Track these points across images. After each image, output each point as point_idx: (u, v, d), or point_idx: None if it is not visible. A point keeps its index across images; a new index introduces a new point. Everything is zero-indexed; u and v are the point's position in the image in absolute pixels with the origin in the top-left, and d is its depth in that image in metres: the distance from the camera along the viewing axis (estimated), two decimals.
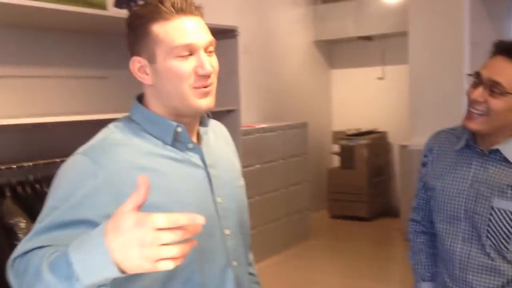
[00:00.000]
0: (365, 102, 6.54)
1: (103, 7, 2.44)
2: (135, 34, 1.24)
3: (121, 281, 1.15)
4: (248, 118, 5.04)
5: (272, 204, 4.87)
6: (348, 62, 6.63)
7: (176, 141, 1.27)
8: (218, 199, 1.31)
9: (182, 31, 1.19)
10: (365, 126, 6.36)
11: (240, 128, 3.14)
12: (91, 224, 1.08)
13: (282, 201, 5.01)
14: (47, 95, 2.48)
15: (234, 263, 1.32)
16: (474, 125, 1.54)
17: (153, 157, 1.23)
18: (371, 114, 6.48)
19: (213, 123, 1.46)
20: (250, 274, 1.53)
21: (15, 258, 1.08)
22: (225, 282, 1.30)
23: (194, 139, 1.32)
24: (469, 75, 1.57)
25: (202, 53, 1.21)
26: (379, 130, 6.29)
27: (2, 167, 2.08)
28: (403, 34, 4.95)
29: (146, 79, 1.26)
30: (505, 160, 1.55)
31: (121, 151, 1.20)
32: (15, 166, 2.10)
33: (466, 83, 1.60)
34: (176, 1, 1.20)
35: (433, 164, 1.73)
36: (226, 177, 1.36)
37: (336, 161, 6.45)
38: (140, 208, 1.06)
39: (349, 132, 6.17)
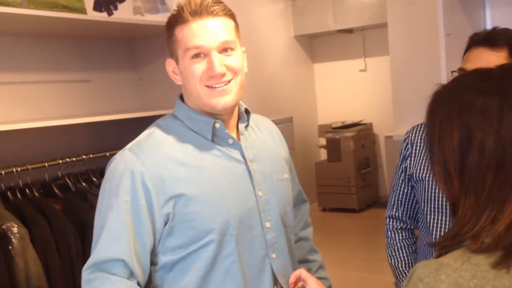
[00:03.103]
0: (349, 95, 6.60)
1: (82, 11, 2.45)
2: (166, 37, 1.34)
3: (163, 275, 1.28)
4: None
5: None
6: (330, 56, 6.68)
7: (216, 137, 1.33)
8: (259, 193, 1.35)
9: (194, 33, 1.27)
10: (350, 119, 6.42)
11: None
12: None
13: None
14: (31, 100, 2.49)
15: (273, 255, 1.36)
16: None
17: (194, 153, 1.30)
18: (355, 106, 6.54)
19: (257, 118, 1.53)
20: (309, 260, 1.63)
21: (93, 265, 1.22)
22: (263, 273, 1.34)
23: (234, 134, 1.38)
24: (454, 71, 1.59)
25: (213, 54, 1.27)
26: (364, 122, 6.35)
27: None
28: (383, 26, 5.00)
29: (177, 79, 1.36)
30: None
31: (164, 148, 1.29)
32: (3, 172, 2.11)
33: (447, 79, 1.64)
34: (193, 6, 1.28)
35: (418, 156, 1.70)
36: (268, 171, 1.40)
37: (323, 155, 6.50)
38: (179, 198, 1.22)
39: (335, 125, 6.22)
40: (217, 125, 1.32)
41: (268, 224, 1.36)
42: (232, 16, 1.34)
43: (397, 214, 1.79)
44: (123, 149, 1.31)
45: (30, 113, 2.48)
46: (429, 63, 3.74)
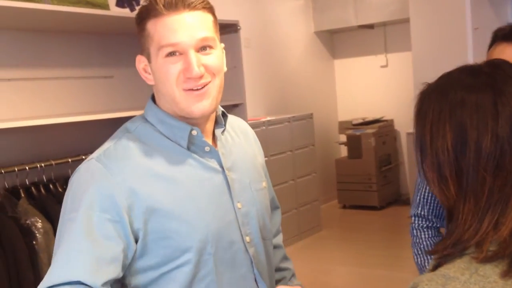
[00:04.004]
0: (370, 91, 6.54)
1: (105, 7, 2.46)
2: (138, 32, 1.20)
3: None
4: (254, 111, 5.06)
5: (282, 196, 4.88)
6: (350, 52, 6.63)
7: (192, 145, 1.20)
8: (238, 205, 1.24)
9: (169, 29, 1.13)
10: (371, 115, 6.36)
11: (247, 121, 3.16)
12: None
13: (292, 193, 5.03)
14: (55, 96, 2.51)
15: (255, 271, 1.25)
16: None
17: (169, 163, 1.17)
18: (376, 103, 6.48)
19: (232, 120, 1.38)
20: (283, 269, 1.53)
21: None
22: None
23: (210, 140, 1.25)
24: None
25: (191, 53, 1.13)
26: (385, 118, 6.28)
27: (15, 169, 2.11)
28: (405, 21, 4.94)
29: (148, 79, 1.22)
30: None
31: (135, 157, 1.15)
32: (27, 168, 2.13)
33: None
34: None
35: None
36: (246, 180, 1.29)
37: (343, 151, 6.46)
38: (153, 213, 1.10)
39: (355, 122, 6.17)
40: (194, 132, 1.19)
41: (248, 239, 1.24)
42: (210, 9, 1.20)
43: (422, 213, 1.76)
44: (89, 158, 1.16)
45: (53, 109, 2.49)
46: (454, 59, 3.69)
